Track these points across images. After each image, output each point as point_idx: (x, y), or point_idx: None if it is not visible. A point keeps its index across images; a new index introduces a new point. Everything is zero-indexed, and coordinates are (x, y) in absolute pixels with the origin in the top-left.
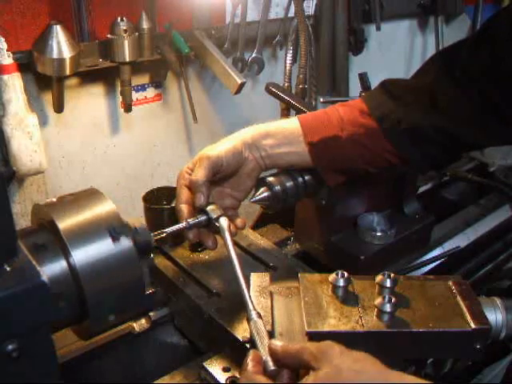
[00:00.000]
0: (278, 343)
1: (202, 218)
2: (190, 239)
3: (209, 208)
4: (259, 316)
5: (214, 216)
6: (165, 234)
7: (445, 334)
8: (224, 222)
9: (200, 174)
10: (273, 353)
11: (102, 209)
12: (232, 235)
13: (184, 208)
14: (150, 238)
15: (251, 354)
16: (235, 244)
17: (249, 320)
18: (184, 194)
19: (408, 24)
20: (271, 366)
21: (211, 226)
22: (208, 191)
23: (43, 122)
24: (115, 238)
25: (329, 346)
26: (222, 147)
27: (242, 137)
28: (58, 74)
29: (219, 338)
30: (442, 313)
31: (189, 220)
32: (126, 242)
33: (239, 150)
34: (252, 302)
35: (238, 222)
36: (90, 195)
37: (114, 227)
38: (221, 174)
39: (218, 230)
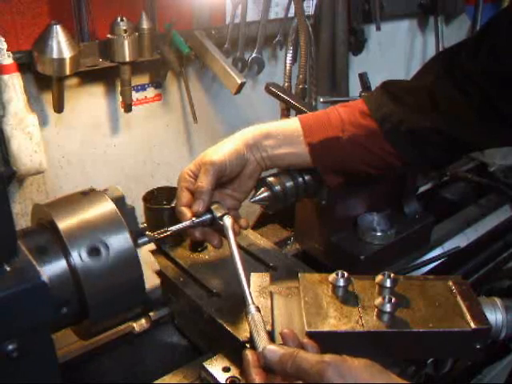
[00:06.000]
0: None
1: (207, 216)
2: (196, 238)
3: (213, 207)
4: (258, 309)
5: (219, 214)
6: (170, 233)
7: (445, 334)
8: (228, 220)
9: (206, 182)
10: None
11: (101, 209)
12: (236, 234)
13: (184, 210)
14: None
15: (249, 356)
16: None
17: (247, 313)
18: (185, 196)
19: (408, 24)
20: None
21: (215, 225)
22: (210, 199)
23: (43, 122)
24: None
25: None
26: (225, 150)
27: (244, 138)
28: (58, 74)
29: (219, 338)
30: (442, 313)
31: (193, 218)
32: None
33: (242, 152)
34: (251, 296)
35: (242, 221)
36: (89, 195)
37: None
38: (224, 179)
39: (221, 229)
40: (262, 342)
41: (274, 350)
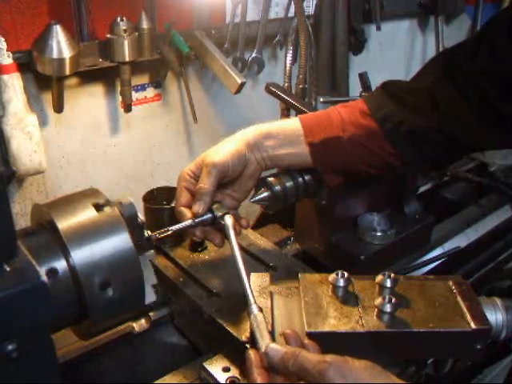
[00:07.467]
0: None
1: (208, 216)
2: (197, 237)
3: (214, 206)
4: (260, 310)
5: (219, 214)
6: (171, 232)
7: (445, 334)
8: (229, 219)
9: (208, 184)
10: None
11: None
12: (237, 234)
13: (184, 211)
14: (135, 210)
15: (252, 356)
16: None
17: (249, 313)
18: (184, 196)
19: (408, 24)
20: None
21: (216, 224)
22: (211, 201)
23: (43, 122)
24: (99, 209)
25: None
26: (227, 150)
27: (245, 138)
28: (57, 73)
29: (219, 338)
30: (442, 313)
31: (194, 218)
32: (111, 211)
33: (243, 153)
34: (253, 295)
35: (242, 221)
36: (89, 195)
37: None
38: (226, 179)
39: (222, 228)
40: (264, 342)
41: (276, 348)
